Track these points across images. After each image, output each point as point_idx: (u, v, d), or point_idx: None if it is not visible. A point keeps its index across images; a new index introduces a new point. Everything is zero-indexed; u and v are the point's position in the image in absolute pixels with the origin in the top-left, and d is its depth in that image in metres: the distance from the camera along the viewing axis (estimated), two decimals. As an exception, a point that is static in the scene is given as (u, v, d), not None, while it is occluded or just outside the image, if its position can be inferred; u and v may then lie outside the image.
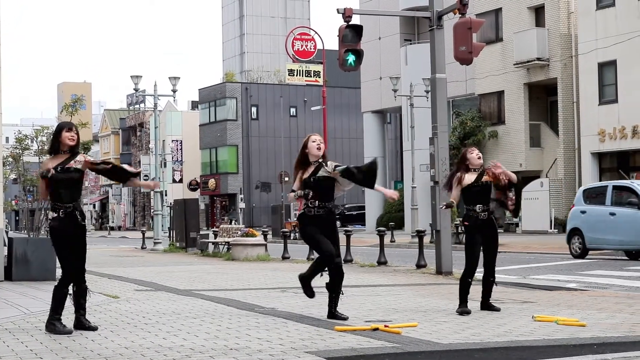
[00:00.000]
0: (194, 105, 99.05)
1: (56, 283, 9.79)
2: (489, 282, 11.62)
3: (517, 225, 47.82)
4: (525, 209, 46.43)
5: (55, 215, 9.58)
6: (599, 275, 19.35)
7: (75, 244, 9.70)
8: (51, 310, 9.66)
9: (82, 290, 9.82)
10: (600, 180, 44.21)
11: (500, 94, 49.97)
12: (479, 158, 11.51)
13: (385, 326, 9.71)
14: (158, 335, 9.43)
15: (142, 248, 38.71)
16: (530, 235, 42.60)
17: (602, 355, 8.03)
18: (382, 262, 22.26)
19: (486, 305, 11.64)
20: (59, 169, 9.53)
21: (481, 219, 11.37)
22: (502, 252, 30.14)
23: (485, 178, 11.44)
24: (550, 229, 44.64)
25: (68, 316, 10.02)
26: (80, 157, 9.72)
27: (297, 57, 28.53)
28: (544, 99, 49.76)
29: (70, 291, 9.76)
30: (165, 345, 8.64)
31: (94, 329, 9.75)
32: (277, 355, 8.01)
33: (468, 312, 11.22)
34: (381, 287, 15.64)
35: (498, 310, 11.49)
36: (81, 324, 9.78)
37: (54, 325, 9.57)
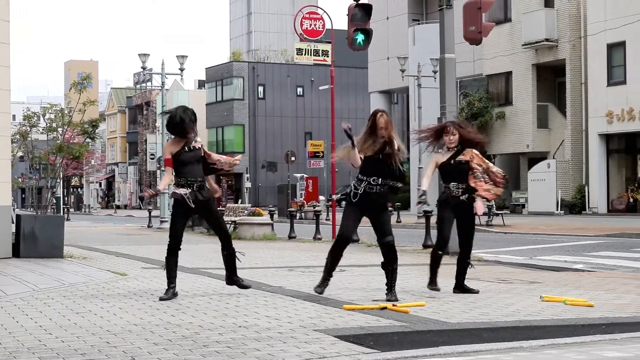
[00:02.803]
0: (201, 84, 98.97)
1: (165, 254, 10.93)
2: (463, 264, 11.45)
3: (523, 206, 47.79)
4: (531, 190, 46.44)
5: (185, 190, 10.74)
6: (606, 257, 19.33)
7: (205, 214, 10.99)
8: (167, 280, 10.77)
9: (230, 255, 11.03)
10: (607, 163, 44.22)
11: (508, 75, 49.86)
12: (451, 143, 11.31)
13: (394, 305, 9.72)
14: (167, 312, 9.45)
15: (149, 227, 38.75)
16: (537, 217, 42.58)
17: (610, 335, 8.03)
18: (388, 242, 22.23)
19: (460, 287, 11.44)
20: (185, 149, 10.77)
21: (454, 196, 11.23)
22: (508, 233, 30.32)
23: (461, 157, 11.31)
24: (557, 210, 44.60)
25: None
26: (198, 138, 11.01)
27: (305, 36, 28.35)
28: (552, 80, 49.66)
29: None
30: (174, 322, 8.66)
31: (248, 287, 11.09)
32: (286, 333, 8.03)
33: (437, 290, 11.17)
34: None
35: (476, 292, 11.29)
36: (233, 282, 11.07)
37: (167, 292, 10.68)
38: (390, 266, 10.59)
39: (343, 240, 10.60)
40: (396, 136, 10.54)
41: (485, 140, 11.35)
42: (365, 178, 10.43)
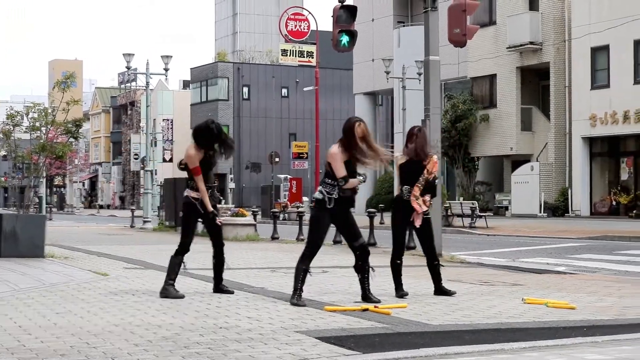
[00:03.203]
0: (186, 84, 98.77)
1: (173, 253, 11.20)
2: (433, 267, 11.37)
3: (506, 208, 47.88)
4: (515, 193, 46.53)
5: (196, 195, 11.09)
6: (588, 259, 19.37)
7: (209, 220, 11.26)
8: (166, 276, 11.03)
9: (221, 263, 11.41)
10: (590, 166, 44.37)
11: (492, 78, 49.95)
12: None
13: (375, 307, 9.71)
14: (147, 312, 9.41)
15: (131, 227, 38.62)
16: (520, 219, 42.67)
17: (592, 337, 8.03)
18: (371, 244, 22.22)
19: (439, 290, 11.36)
20: (209, 154, 11.22)
21: (404, 200, 11.13)
22: (491, 235, 30.35)
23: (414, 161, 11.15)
24: (540, 212, 44.70)
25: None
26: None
27: (290, 37, 28.42)
28: (536, 83, 49.78)
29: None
30: (155, 323, 8.62)
31: (231, 292, 11.23)
32: (267, 334, 8.00)
33: (405, 294, 11.08)
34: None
35: (453, 293, 11.23)
36: (220, 289, 11.32)
37: (167, 290, 10.87)
38: (367, 266, 10.53)
39: (316, 251, 10.47)
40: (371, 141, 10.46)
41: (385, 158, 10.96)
42: (335, 183, 10.35)
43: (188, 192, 11.18)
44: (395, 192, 11.13)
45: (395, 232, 11.33)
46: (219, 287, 11.37)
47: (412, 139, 11.22)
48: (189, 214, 11.22)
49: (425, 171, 11.08)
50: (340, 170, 10.21)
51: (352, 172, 10.29)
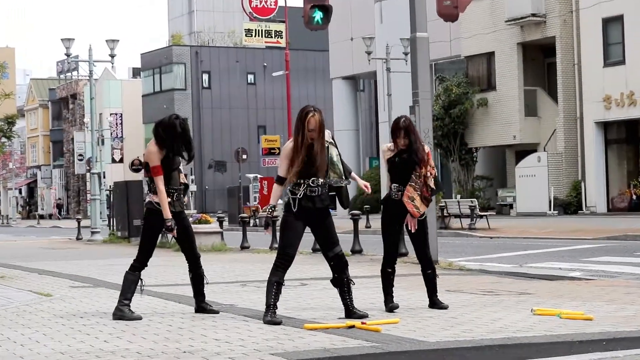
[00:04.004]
0: (136, 72, 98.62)
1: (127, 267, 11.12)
2: (427, 277, 11.40)
3: (510, 206, 48.02)
4: (520, 188, 46.65)
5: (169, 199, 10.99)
6: (606, 262, 19.46)
7: (178, 227, 11.10)
8: (120, 295, 10.96)
9: (199, 276, 11.28)
10: (606, 155, 44.51)
11: (490, 56, 50.04)
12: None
13: (363, 323, 9.72)
14: (99, 337, 9.39)
15: (78, 239, 38.53)
16: (526, 218, 42.79)
17: (612, 352, 8.07)
18: (356, 251, 22.27)
19: (434, 302, 11.39)
20: (170, 155, 11.05)
21: (394, 200, 11.15)
22: (494, 238, 30.44)
23: (405, 156, 11.21)
24: (550, 210, 44.85)
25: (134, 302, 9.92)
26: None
27: (255, 14, 28.33)
28: (540, 61, 49.91)
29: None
30: (108, 349, 8.61)
31: (216, 312, 11.08)
32: (238, 358, 8.01)
33: (396, 307, 11.11)
34: (357, 279, 15.59)
35: (445, 307, 11.23)
36: (202, 309, 11.16)
37: (121, 310, 10.81)
38: (345, 278, 10.52)
39: (290, 261, 10.45)
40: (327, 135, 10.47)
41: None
42: (302, 181, 10.35)
43: (150, 197, 11.09)
44: (383, 191, 11.15)
45: (385, 236, 11.34)
46: (201, 306, 11.23)
47: (399, 134, 11.13)
48: (151, 223, 11.12)
49: (422, 169, 11.06)
50: (280, 168, 10.33)
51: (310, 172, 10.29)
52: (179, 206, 11.12)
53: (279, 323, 9.96)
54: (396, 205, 11.12)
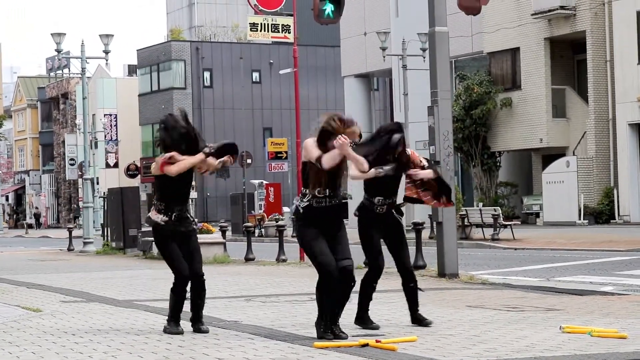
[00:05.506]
0: (132, 70, 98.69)
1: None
2: (409, 290, 11.43)
3: (537, 215, 47.97)
4: (547, 195, 46.57)
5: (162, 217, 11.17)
6: (640, 276, 19.47)
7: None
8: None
9: (199, 296, 11.35)
10: (640, 158, 44.40)
11: (514, 52, 50.02)
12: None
13: (377, 341, 9.72)
14: (92, 356, 9.41)
15: (69, 250, 38.57)
16: (554, 228, 42.73)
17: (647, 373, 8.08)
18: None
19: (416, 318, 11.43)
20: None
21: (376, 213, 11.17)
22: (519, 249, 30.40)
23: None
24: (579, 219, 44.78)
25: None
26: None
27: (260, 7, 28.22)
28: (569, 57, 49.88)
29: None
30: (102, 369, 8.62)
31: (207, 331, 10.99)
32: (243, 379, 8.02)
33: (376, 327, 11.06)
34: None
35: (428, 324, 11.26)
36: (198, 330, 11.11)
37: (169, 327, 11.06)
38: (349, 292, 10.50)
39: (332, 270, 10.39)
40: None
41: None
42: (305, 191, 10.31)
43: (152, 215, 11.21)
44: (354, 196, 11.18)
45: (365, 250, 11.34)
46: (196, 327, 11.19)
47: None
48: (159, 239, 11.25)
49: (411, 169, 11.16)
50: (313, 152, 10.13)
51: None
52: (183, 225, 11.24)
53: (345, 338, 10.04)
54: (379, 219, 11.13)
